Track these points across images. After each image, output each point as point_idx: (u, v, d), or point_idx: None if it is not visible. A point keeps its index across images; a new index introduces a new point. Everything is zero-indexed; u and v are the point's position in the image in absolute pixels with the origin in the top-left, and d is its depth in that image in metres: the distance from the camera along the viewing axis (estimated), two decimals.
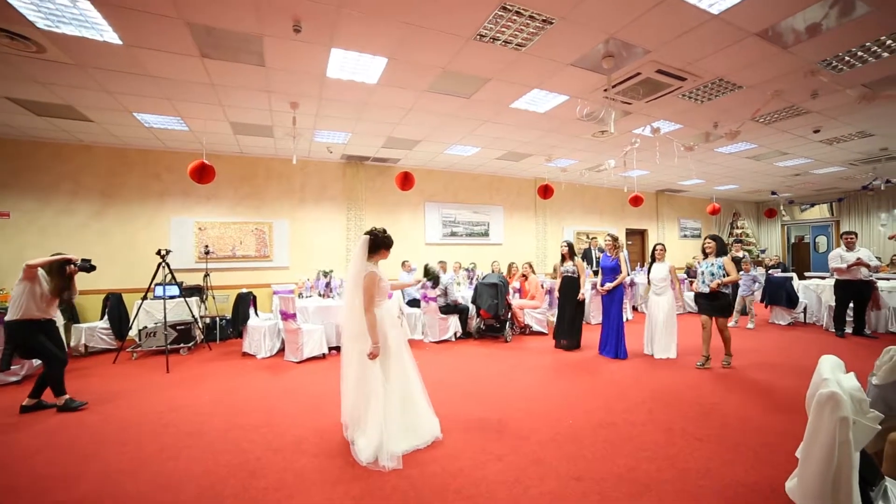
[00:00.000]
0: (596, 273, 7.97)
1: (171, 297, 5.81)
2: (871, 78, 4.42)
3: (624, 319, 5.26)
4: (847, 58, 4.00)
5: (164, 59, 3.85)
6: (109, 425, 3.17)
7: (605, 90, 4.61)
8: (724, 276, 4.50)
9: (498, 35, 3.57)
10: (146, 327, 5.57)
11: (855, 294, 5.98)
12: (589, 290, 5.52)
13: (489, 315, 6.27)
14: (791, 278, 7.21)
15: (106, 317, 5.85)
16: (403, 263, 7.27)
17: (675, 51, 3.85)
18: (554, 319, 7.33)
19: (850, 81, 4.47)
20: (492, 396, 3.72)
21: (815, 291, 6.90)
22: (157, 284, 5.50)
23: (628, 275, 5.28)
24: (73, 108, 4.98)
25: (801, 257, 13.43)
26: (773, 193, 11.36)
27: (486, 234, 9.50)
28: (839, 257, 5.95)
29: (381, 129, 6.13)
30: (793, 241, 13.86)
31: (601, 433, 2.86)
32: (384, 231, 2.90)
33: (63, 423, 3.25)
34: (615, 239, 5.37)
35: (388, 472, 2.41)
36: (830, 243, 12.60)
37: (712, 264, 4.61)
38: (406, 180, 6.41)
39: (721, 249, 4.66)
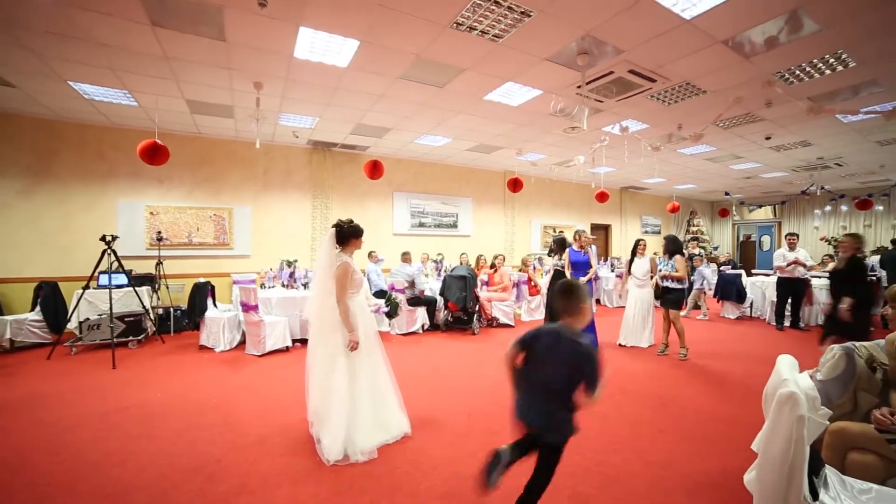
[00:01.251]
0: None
1: (119, 287, 5.38)
2: (817, 92, 4.74)
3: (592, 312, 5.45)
4: (797, 72, 4.26)
5: (106, 23, 3.45)
6: (41, 431, 2.86)
7: (579, 87, 4.66)
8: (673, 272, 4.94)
9: (475, 24, 3.49)
10: (88, 319, 5.12)
11: (793, 291, 6.50)
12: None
13: (457, 307, 6.27)
14: (741, 275, 7.73)
15: (38, 308, 5.31)
16: (370, 254, 7.11)
17: (647, 52, 3.93)
18: (521, 312, 7.50)
19: (800, 94, 4.78)
20: (461, 390, 3.73)
21: (761, 288, 7.44)
22: (101, 272, 5.06)
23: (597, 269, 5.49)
24: None
25: (748, 255, 14.46)
26: (727, 194, 12.09)
27: (454, 225, 9.47)
28: (782, 256, 6.43)
29: (350, 115, 5.90)
30: (741, 239, 14.87)
31: None
32: (350, 221, 2.86)
33: None
34: (583, 234, 5.52)
35: (357, 473, 2.35)
36: (773, 242, 13.64)
37: (667, 263, 5.04)
38: (375, 169, 6.24)
39: (672, 249, 5.06)
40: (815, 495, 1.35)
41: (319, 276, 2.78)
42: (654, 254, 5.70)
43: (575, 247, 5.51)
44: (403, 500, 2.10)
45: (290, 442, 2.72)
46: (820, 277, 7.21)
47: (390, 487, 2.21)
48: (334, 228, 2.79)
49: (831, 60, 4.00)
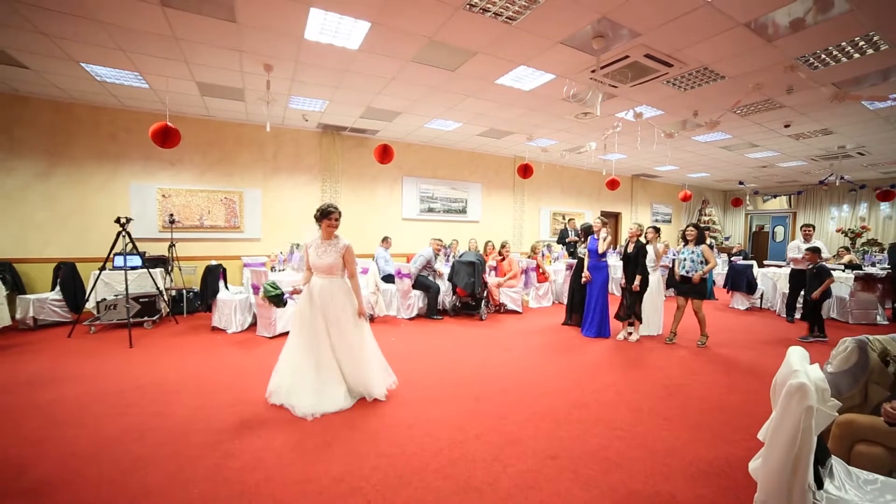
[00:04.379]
0: (571, 254, 8.15)
1: (133, 268, 5.49)
2: (842, 78, 4.58)
3: (608, 300, 5.41)
4: (823, 55, 4.10)
5: (115, 2, 3.43)
6: (64, 405, 2.98)
7: (593, 71, 4.56)
8: (703, 264, 4.88)
9: (489, 6, 3.41)
10: (105, 299, 5.26)
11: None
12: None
13: (465, 293, 6.31)
14: (752, 266, 7.62)
15: (58, 287, 5.46)
16: (384, 239, 7.16)
17: (664, 36, 3.82)
18: (529, 299, 7.51)
19: (824, 79, 4.61)
20: (468, 375, 3.78)
21: (772, 279, 7.33)
22: (116, 254, 5.17)
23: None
24: (2, 51, 4.36)
25: (761, 245, 14.23)
26: (741, 183, 11.84)
27: (463, 210, 9.45)
28: (797, 248, 6.30)
29: (360, 99, 5.86)
30: (754, 229, 14.62)
31: (574, 413, 2.97)
32: (324, 205, 3.26)
33: (7, 404, 3.03)
34: (605, 223, 5.45)
35: (366, 453, 2.42)
36: (787, 233, 13.39)
37: (692, 252, 4.95)
38: (385, 153, 6.21)
39: (701, 237, 5.02)
40: (819, 484, 1.36)
41: None
42: (665, 243, 5.61)
43: (597, 235, 5.40)
44: (412, 480, 2.16)
45: (301, 421, 2.80)
46: (835, 270, 7.07)
47: (400, 468, 2.27)
48: None
49: (861, 43, 3.84)
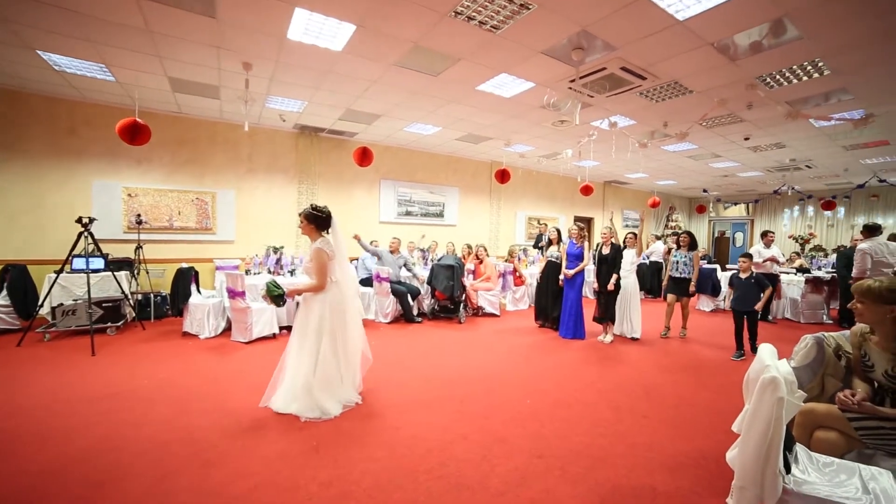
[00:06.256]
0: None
1: (96, 271, 5.18)
2: (794, 97, 4.98)
3: (582, 302, 5.60)
4: (777, 76, 4.45)
5: None
6: (23, 418, 2.78)
7: (572, 81, 4.73)
8: (691, 268, 5.47)
9: (475, 14, 3.49)
10: (62, 304, 4.93)
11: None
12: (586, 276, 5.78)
13: (444, 296, 6.34)
14: (716, 270, 8.07)
15: (5, 292, 5.05)
16: (370, 243, 7.10)
17: (639, 50, 4.03)
18: (506, 302, 7.63)
19: (779, 97, 4.99)
20: (451, 377, 3.81)
21: None
22: (75, 256, 4.86)
23: (590, 262, 5.60)
24: None
25: (722, 250, 15.09)
26: (705, 191, 12.54)
27: (440, 214, 9.50)
28: (758, 253, 6.75)
29: (340, 101, 5.80)
30: (716, 235, 15.48)
31: (558, 412, 3.06)
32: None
33: None
34: (581, 228, 5.62)
35: (355, 457, 2.40)
36: (746, 238, 14.26)
37: (685, 256, 5.52)
38: (364, 156, 6.17)
39: (693, 244, 5.60)
40: (787, 469, 1.48)
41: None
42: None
43: (576, 240, 5.57)
44: (405, 482, 2.16)
45: (285, 427, 2.74)
46: (788, 273, 7.60)
47: (391, 470, 2.26)
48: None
49: (808, 67, 4.21)
